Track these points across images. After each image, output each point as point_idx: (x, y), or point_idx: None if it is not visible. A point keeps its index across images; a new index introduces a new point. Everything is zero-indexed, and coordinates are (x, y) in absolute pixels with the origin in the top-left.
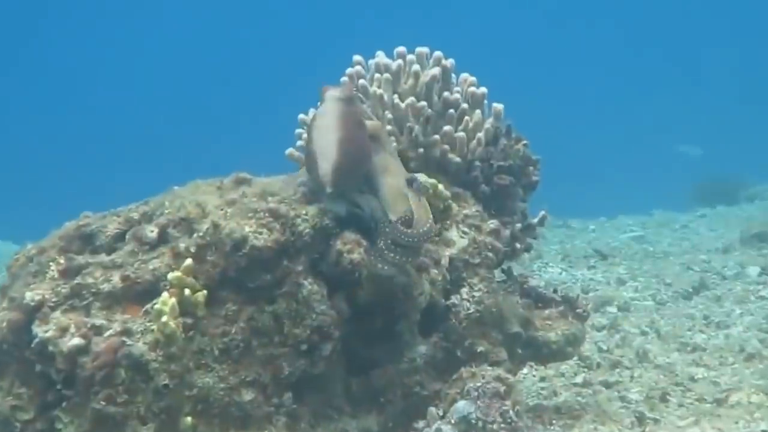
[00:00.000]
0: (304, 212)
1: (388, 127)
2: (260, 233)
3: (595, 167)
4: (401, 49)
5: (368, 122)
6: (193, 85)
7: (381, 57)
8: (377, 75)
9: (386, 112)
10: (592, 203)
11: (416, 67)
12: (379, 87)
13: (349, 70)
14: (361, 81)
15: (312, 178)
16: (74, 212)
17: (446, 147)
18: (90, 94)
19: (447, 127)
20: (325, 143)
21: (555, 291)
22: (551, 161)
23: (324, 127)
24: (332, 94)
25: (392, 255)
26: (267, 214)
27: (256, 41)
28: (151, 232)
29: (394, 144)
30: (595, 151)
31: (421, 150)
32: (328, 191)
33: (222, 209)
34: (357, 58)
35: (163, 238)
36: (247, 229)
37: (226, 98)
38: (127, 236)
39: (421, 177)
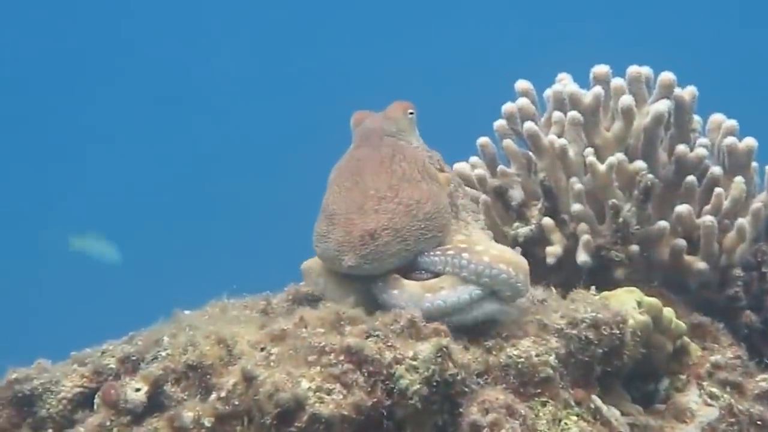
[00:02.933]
0: (410, 353)
1: (576, 207)
2: (329, 393)
3: None
4: (601, 69)
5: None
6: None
7: (565, 83)
8: (557, 114)
9: (572, 178)
10: None
11: (627, 100)
12: (560, 134)
13: (507, 106)
14: (529, 124)
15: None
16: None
17: (681, 243)
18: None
19: (682, 208)
20: (350, 198)
21: None
22: None
23: (350, 175)
24: (370, 124)
25: None
26: (342, 358)
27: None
28: (137, 391)
29: (480, 219)
30: None
31: (635, 247)
32: (344, 264)
33: (262, 348)
34: (522, 85)
35: (155, 403)
36: (305, 384)
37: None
38: (95, 400)
39: (632, 294)
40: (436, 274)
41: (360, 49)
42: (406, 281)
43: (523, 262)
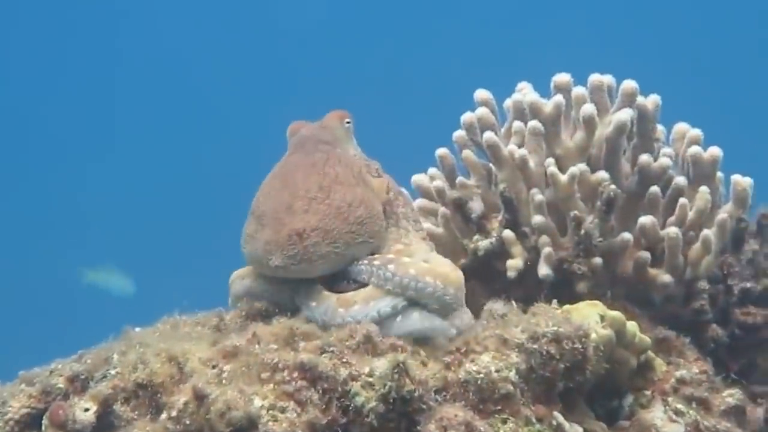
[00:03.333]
0: (366, 370)
1: (537, 219)
2: (283, 411)
3: None
4: (562, 77)
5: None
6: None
7: (525, 92)
8: (517, 124)
9: (533, 189)
10: None
11: (589, 108)
12: (520, 144)
13: (466, 116)
14: (488, 134)
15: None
16: None
17: (645, 255)
18: None
19: (646, 219)
20: (279, 199)
21: None
22: None
23: (281, 177)
24: (305, 132)
25: None
26: (296, 375)
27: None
28: (86, 411)
29: (427, 226)
30: None
31: (598, 260)
32: (271, 264)
33: (214, 366)
34: (482, 94)
35: (104, 423)
36: (257, 402)
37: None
38: (43, 421)
39: (594, 308)
40: (363, 285)
41: (320, 56)
42: (326, 293)
43: (456, 276)
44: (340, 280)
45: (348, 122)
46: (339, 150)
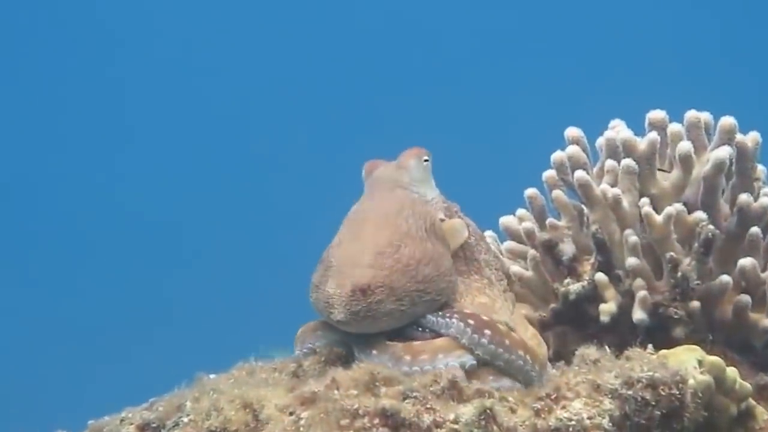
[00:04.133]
0: (451, 416)
1: (631, 261)
2: None
3: None
4: (657, 114)
5: (447, 222)
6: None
7: (618, 129)
8: (610, 162)
9: (626, 230)
10: None
11: (686, 146)
12: (613, 183)
13: (556, 155)
14: (580, 173)
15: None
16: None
17: (745, 299)
18: None
19: (746, 261)
20: (347, 250)
21: None
22: None
23: (351, 227)
24: (381, 173)
25: None
26: (377, 422)
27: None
28: None
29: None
30: None
31: (696, 304)
32: (333, 318)
33: (291, 413)
34: (573, 132)
35: None
36: None
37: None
38: None
39: (692, 353)
40: (435, 335)
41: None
42: (388, 342)
43: (543, 354)
44: (407, 331)
45: (426, 160)
46: (416, 195)
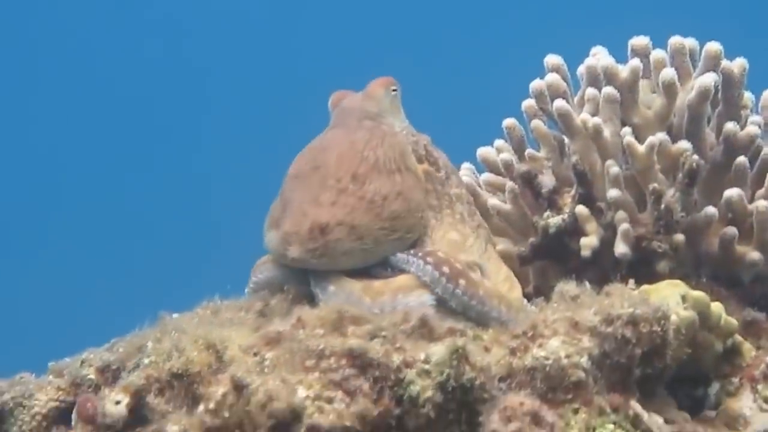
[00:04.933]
0: (421, 356)
1: (613, 193)
2: (329, 401)
3: None
4: (640, 40)
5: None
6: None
7: (600, 56)
8: (591, 91)
9: (608, 161)
10: None
11: (670, 73)
12: (594, 113)
13: (535, 83)
14: (559, 102)
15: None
16: None
17: (732, 231)
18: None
19: (733, 192)
20: (307, 185)
21: None
22: None
23: (314, 158)
24: (348, 104)
25: None
26: (344, 362)
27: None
28: (117, 404)
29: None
30: None
31: (680, 237)
32: (288, 255)
33: (256, 353)
34: (553, 59)
35: (138, 416)
36: (302, 392)
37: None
38: (73, 416)
39: (675, 288)
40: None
41: (360, 16)
42: (346, 278)
43: (516, 295)
44: (378, 268)
45: (395, 90)
46: (385, 126)
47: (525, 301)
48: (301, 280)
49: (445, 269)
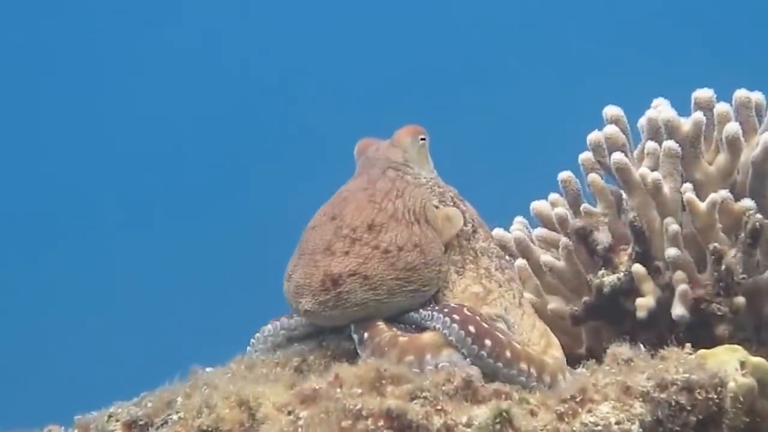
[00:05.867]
0: (463, 419)
1: (671, 252)
2: None
3: None
4: (704, 93)
5: (441, 210)
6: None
7: (661, 108)
8: (651, 144)
9: (667, 218)
10: None
11: (733, 128)
12: (654, 167)
13: (593, 135)
14: (618, 156)
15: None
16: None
17: None
18: None
19: None
20: (321, 235)
21: None
22: None
23: (332, 208)
24: (373, 153)
25: None
26: (381, 423)
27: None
28: None
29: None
30: None
31: (740, 299)
32: (301, 309)
33: (290, 412)
34: (612, 111)
35: None
36: None
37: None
38: None
39: (734, 353)
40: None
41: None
42: (381, 325)
43: (555, 357)
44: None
45: (423, 139)
46: (409, 176)
47: (564, 359)
48: (340, 333)
49: (471, 329)
